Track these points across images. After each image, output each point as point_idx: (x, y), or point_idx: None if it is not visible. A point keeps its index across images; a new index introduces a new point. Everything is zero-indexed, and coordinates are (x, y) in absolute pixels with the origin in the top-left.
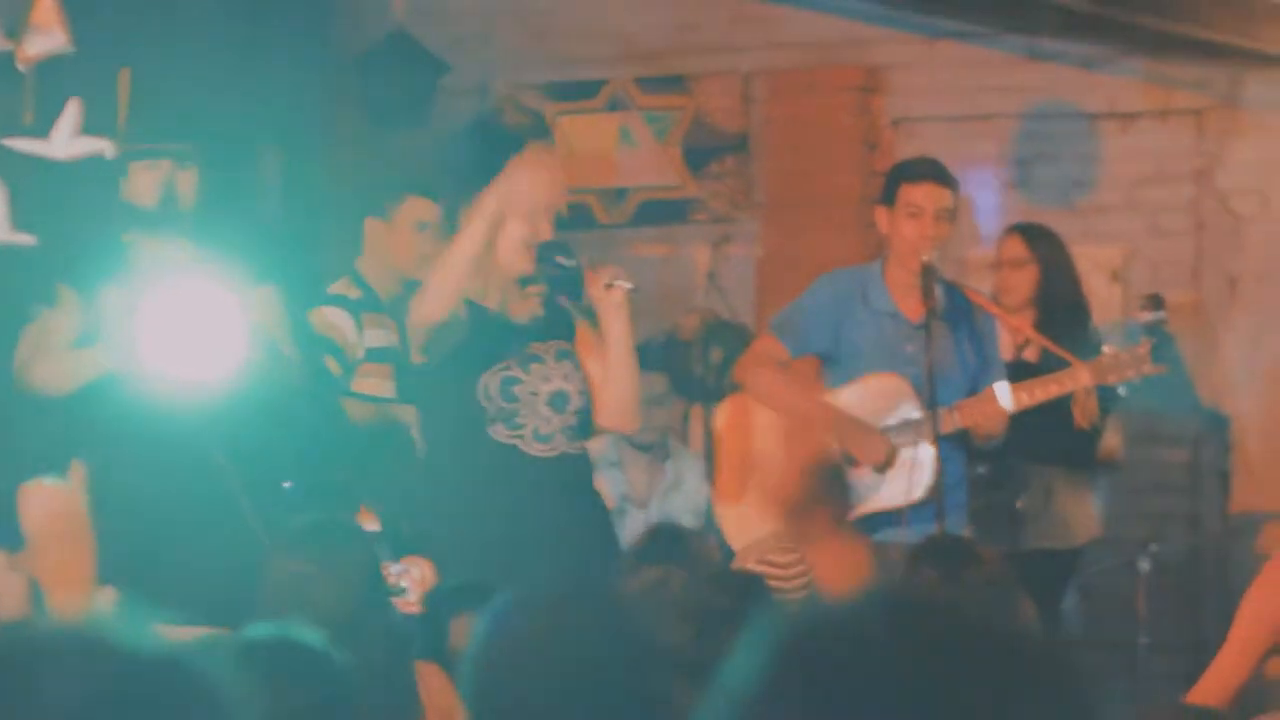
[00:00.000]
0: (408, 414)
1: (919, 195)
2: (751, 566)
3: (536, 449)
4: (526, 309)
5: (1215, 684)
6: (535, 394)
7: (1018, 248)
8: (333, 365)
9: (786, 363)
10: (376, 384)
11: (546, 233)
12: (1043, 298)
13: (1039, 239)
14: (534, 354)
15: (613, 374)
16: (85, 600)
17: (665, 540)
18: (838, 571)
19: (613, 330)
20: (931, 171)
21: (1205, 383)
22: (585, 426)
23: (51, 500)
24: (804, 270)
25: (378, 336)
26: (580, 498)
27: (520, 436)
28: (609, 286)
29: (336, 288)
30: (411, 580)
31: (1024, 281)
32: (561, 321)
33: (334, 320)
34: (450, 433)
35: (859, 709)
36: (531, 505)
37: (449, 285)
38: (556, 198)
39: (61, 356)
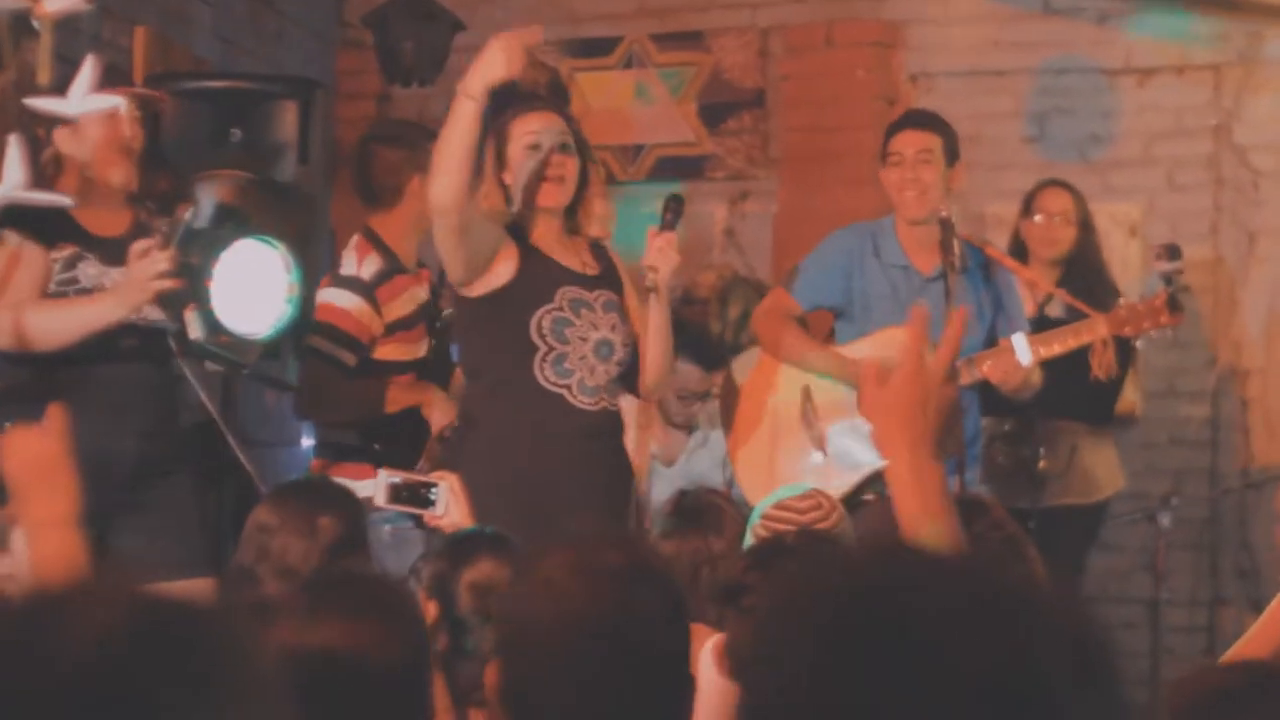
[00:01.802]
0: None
1: (898, 142)
2: (771, 514)
3: (582, 400)
4: (575, 253)
5: (1260, 641)
6: (585, 340)
7: (1066, 202)
8: (346, 357)
9: (800, 316)
10: (405, 349)
11: (553, 164)
12: (1076, 255)
13: (1078, 196)
14: (583, 300)
15: (648, 355)
16: (72, 546)
17: (690, 511)
18: (911, 497)
19: (651, 315)
20: (909, 119)
21: (1224, 337)
22: (623, 381)
23: (30, 446)
24: (821, 226)
25: (401, 304)
26: (613, 458)
27: (568, 387)
28: (652, 270)
29: (348, 266)
30: (440, 494)
31: (1066, 237)
32: (610, 271)
33: (345, 306)
34: (495, 372)
35: (866, 658)
36: (571, 457)
37: (447, 163)
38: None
39: (54, 307)
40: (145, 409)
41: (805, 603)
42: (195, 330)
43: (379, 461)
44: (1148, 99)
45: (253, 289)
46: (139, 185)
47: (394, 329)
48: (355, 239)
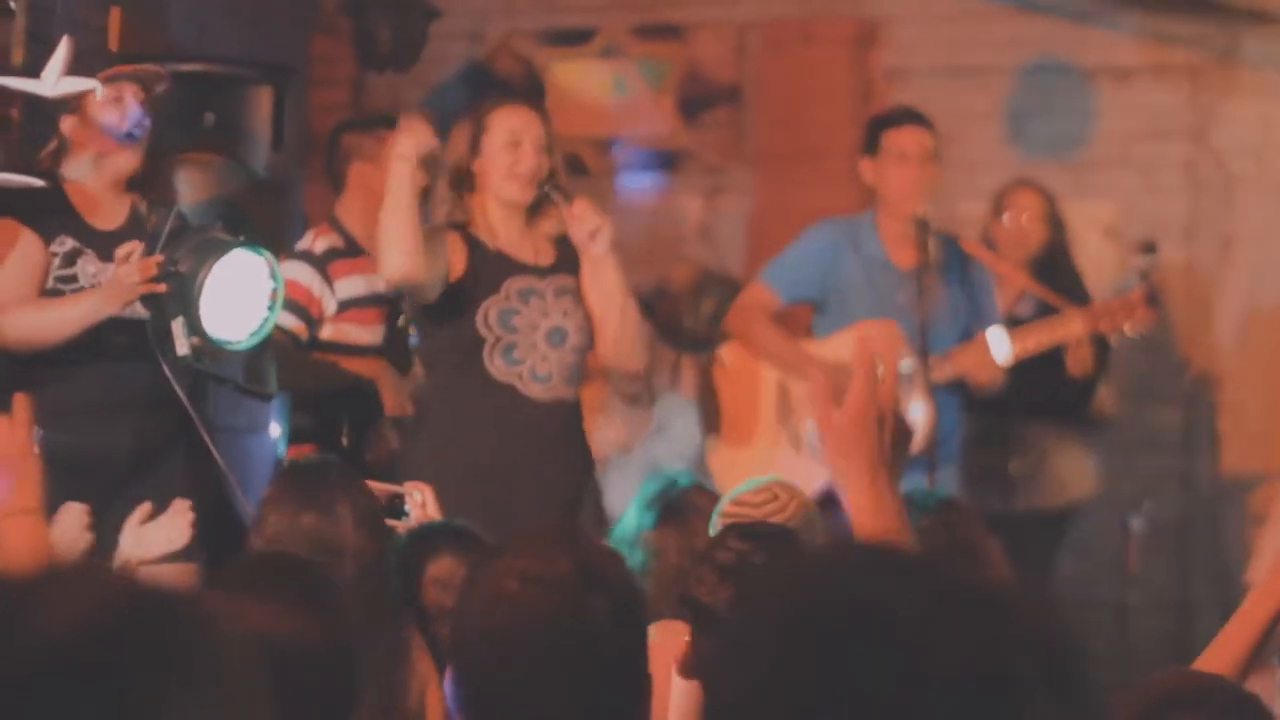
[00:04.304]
0: (397, 355)
1: (902, 139)
2: (727, 510)
3: (534, 390)
4: (530, 245)
5: (1224, 652)
6: (535, 327)
7: (1035, 201)
8: (295, 324)
9: (777, 310)
10: (358, 331)
11: (528, 160)
12: (1046, 255)
13: (1048, 195)
14: (533, 289)
15: (609, 316)
16: (37, 536)
17: (667, 504)
18: (872, 521)
19: (603, 276)
20: (909, 115)
21: (1198, 341)
22: (582, 368)
23: None
24: (796, 222)
25: (354, 284)
26: (571, 446)
27: (519, 375)
28: (592, 236)
29: (303, 241)
30: (414, 504)
31: (1035, 236)
32: (567, 258)
33: (295, 277)
34: (447, 366)
35: (831, 658)
36: (524, 447)
37: (394, 239)
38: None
39: (37, 309)
40: (139, 403)
41: (770, 602)
42: (182, 346)
43: (340, 450)
44: (1125, 100)
45: (236, 297)
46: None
47: (346, 306)
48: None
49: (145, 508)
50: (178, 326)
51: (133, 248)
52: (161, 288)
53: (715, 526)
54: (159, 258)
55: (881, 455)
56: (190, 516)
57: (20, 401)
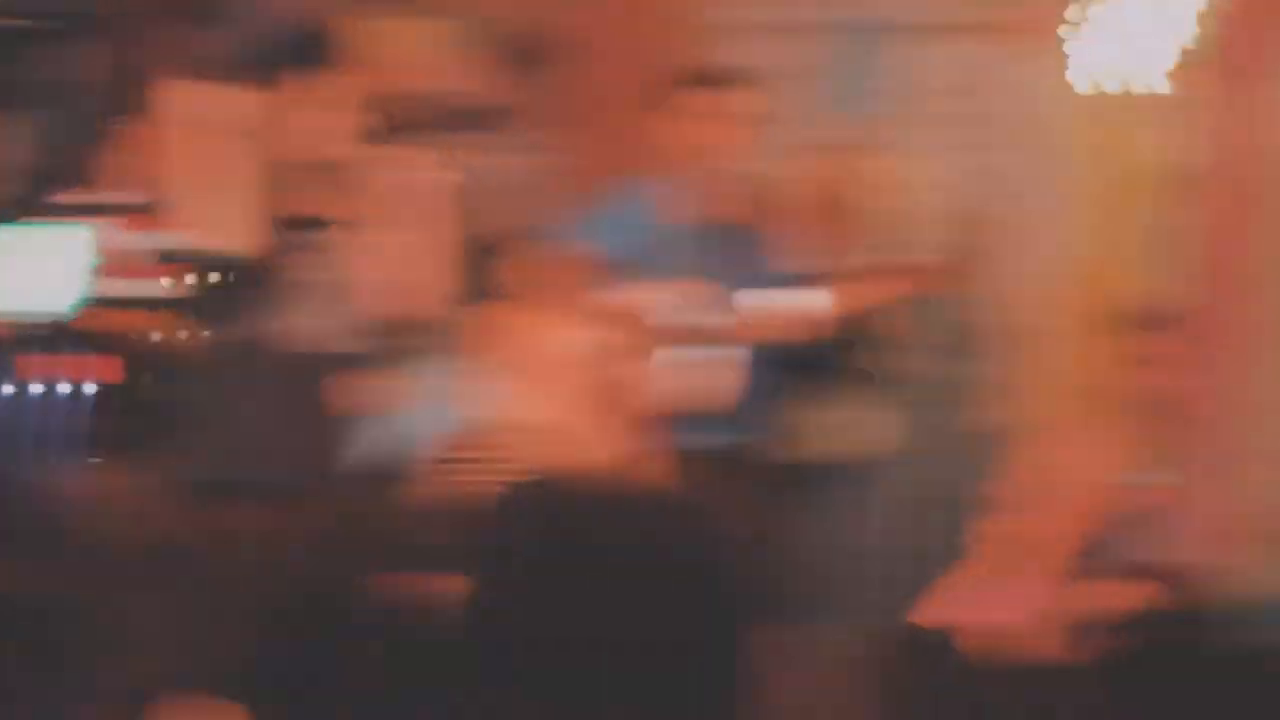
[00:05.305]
0: None
1: (717, 100)
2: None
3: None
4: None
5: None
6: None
7: (863, 162)
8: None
9: (570, 271)
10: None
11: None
12: (861, 215)
13: (877, 158)
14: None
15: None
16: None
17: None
18: None
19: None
20: (727, 75)
21: (1006, 296)
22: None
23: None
24: (594, 180)
25: (151, 239)
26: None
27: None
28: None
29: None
30: None
31: (855, 194)
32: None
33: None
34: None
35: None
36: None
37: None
38: None
39: None
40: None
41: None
42: None
43: None
44: (943, 56)
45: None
46: None
47: (141, 260)
48: None
49: None
50: None
51: None
52: None
53: None
54: None
55: None
56: None
57: None
